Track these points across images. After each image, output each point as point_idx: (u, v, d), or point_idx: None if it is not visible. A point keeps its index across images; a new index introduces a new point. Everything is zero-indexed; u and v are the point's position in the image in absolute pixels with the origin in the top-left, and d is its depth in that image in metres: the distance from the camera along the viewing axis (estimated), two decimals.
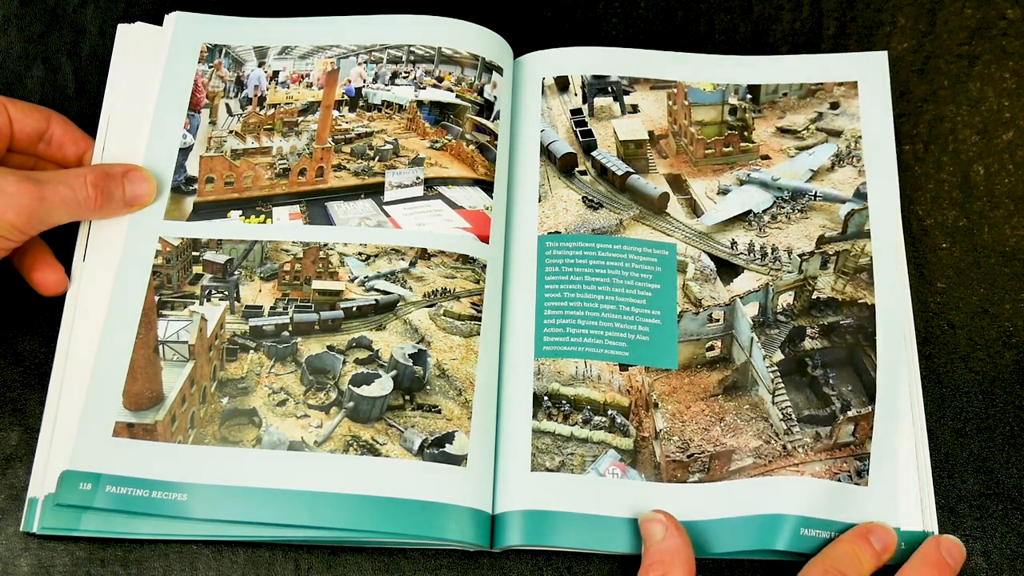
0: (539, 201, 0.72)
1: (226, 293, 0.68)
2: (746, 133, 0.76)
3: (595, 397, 0.66)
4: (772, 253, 0.71)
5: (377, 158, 0.73)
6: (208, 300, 0.67)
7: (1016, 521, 0.65)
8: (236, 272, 0.68)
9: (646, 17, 0.80)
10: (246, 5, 0.78)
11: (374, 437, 0.63)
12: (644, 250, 0.70)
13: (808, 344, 0.68)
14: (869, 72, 0.75)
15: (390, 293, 0.68)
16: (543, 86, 0.76)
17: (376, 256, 0.69)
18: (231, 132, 0.73)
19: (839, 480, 0.63)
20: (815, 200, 0.73)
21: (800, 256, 0.71)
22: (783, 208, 0.73)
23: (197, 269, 0.68)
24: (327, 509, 0.60)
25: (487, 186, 0.71)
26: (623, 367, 0.67)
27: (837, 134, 0.75)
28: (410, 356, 0.66)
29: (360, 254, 0.69)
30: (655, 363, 0.67)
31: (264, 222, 0.70)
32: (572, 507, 0.62)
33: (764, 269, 0.71)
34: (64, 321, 0.66)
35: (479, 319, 0.67)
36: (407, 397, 0.64)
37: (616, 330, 0.67)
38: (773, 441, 0.65)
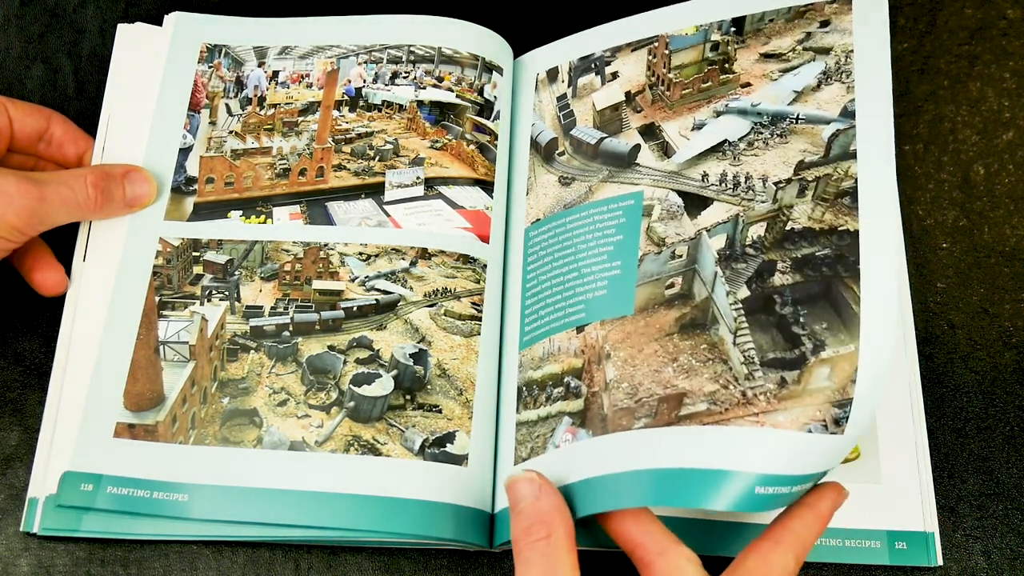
0: (527, 194, 0.72)
1: (227, 293, 0.68)
2: (727, 64, 0.69)
3: (555, 371, 0.64)
4: (746, 181, 0.64)
5: (377, 158, 0.73)
6: (209, 300, 0.67)
7: (1016, 521, 0.65)
8: (236, 272, 0.68)
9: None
10: (246, 5, 0.78)
11: (375, 437, 0.63)
12: (609, 207, 0.67)
13: (778, 280, 0.60)
14: None
15: (391, 293, 0.68)
16: (536, 81, 0.76)
17: (376, 256, 0.69)
18: (231, 132, 0.73)
19: (809, 431, 0.54)
20: (797, 123, 0.65)
21: (776, 184, 0.63)
22: (761, 134, 0.66)
23: (197, 269, 0.68)
24: (327, 509, 0.60)
25: (487, 186, 0.71)
26: (579, 329, 0.64)
27: (826, 51, 0.66)
28: (411, 356, 0.66)
29: (360, 254, 0.69)
30: (610, 314, 0.63)
31: (264, 222, 0.70)
32: None
33: (735, 199, 0.64)
34: (64, 321, 0.65)
35: (480, 319, 0.67)
36: (408, 397, 0.64)
37: (575, 295, 0.65)
38: (732, 386, 0.58)
